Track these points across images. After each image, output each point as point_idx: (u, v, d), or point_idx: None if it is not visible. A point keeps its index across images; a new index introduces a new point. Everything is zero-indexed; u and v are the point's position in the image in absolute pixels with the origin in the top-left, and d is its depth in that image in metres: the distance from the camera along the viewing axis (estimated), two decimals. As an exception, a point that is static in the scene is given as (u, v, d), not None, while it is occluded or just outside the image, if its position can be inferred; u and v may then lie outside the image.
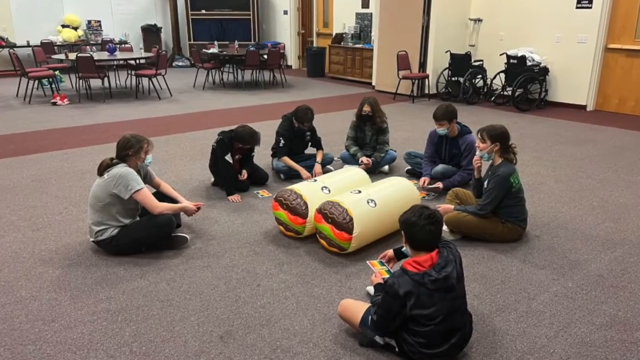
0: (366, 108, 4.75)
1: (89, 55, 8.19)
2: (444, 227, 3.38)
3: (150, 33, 13.01)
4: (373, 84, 10.27)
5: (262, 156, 5.16)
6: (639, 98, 7.64)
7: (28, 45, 10.88)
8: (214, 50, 10.13)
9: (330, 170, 4.66)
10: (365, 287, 2.88)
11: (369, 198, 3.33)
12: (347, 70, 11.37)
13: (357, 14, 11.32)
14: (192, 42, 13.03)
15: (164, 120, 7.26)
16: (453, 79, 8.84)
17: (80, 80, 8.57)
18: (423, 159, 4.56)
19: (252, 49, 9.84)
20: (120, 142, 3.19)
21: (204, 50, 10.30)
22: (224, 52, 10.10)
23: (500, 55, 8.40)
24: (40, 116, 7.37)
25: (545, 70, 8.11)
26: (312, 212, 3.36)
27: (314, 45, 12.88)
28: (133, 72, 9.28)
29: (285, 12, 13.29)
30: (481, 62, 8.77)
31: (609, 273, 3.05)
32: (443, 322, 2.11)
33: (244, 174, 4.39)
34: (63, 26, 11.89)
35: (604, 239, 3.52)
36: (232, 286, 2.89)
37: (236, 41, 11.05)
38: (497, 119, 7.31)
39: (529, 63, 7.92)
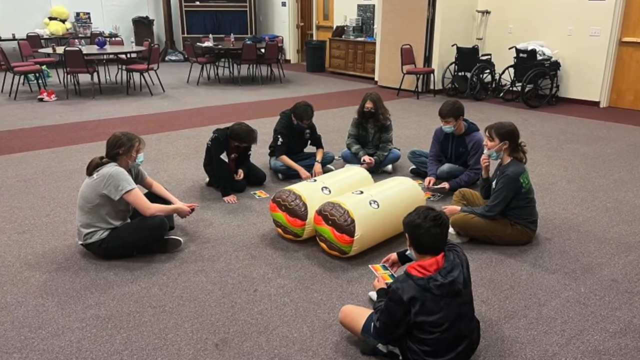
0: (368, 104, 4.76)
1: (77, 49, 8.19)
2: (450, 230, 3.38)
3: (142, 26, 13.01)
4: (376, 79, 10.28)
5: (260, 155, 5.17)
6: (654, 94, 7.66)
7: (13, 39, 10.88)
8: (208, 43, 10.13)
9: (331, 170, 4.66)
10: (367, 292, 2.88)
11: (372, 199, 3.33)
12: (348, 65, 11.38)
13: (359, 5, 11.33)
14: (185, 35, 13.03)
15: (156, 117, 7.26)
16: (460, 74, 8.85)
17: (69, 76, 8.56)
18: (428, 158, 4.56)
19: (248, 42, 9.85)
20: (111, 140, 3.19)
21: (198, 43, 10.30)
22: (219, 46, 10.10)
23: (509, 49, 8.41)
24: (26, 113, 7.37)
25: (556, 65, 8.11)
26: (311, 213, 3.36)
27: (314, 38, 12.89)
28: (124, 67, 9.28)
29: (284, 4, 13.29)
30: (489, 57, 8.78)
31: (624, 278, 3.05)
32: (449, 329, 2.11)
33: (240, 174, 4.39)
34: (50, 18, 11.89)
35: (618, 241, 3.52)
36: (228, 291, 2.89)
37: (232, 34, 11.05)
38: (506, 116, 7.32)
39: (539, 57, 7.92)
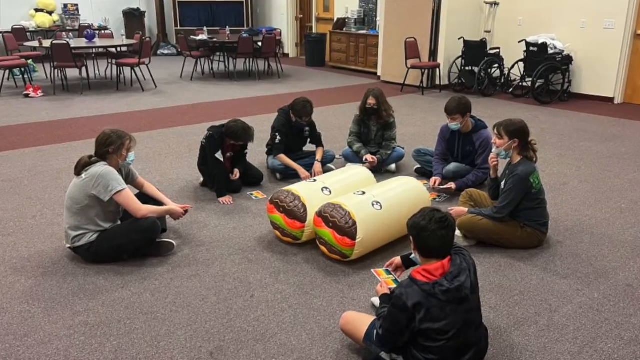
0: (371, 101, 4.76)
1: (65, 42, 8.19)
2: (457, 232, 3.38)
3: (133, 18, 13.01)
4: (378, 74, 10.28)
5: (257, 154, 5.17)
6: (672, 90, 7.66)
7: (-2, 32, 10.88)
8: (203, 36, 10.13)
9: (332, 169, 4.66)
10: (369, 298, 2.88)
11: (374, 200, 3.33)
12: (350, 59, 11.38)
13: (361, -4, 11.33)
14: (178, 27, 13.03)
15: (148, 114, 7.26)
16: (467, 68, 8.85)
17: (56, 70, 8.57)
18: (434, 156, 4.56)
19: (245, 35, 9.85)
20: (100, 138, 3.19)
21: (192, 36, 10.30)
22: (214, 39, 10.10)
23: (519, 42, 8.41)
24: (11, 109, 7.37)
25: (568, 59, 8.11)
26: (311, 215, 3.36)
27: (314, 31, 12.88)
28: (114, 61, 9.28)
29: (282, -5, 13.30)
30: (498, 50, 8.78)
31: (639, 283, 3.05)
32: (456, 336, 2.11)
33: (236, 174, 4.39)
34: (36, 10, 11.89)
35: (634, 245, 3.52)
36: (223, 297, 2.89)
37: (227, 27, 11.05)
38: (516, 113, 7.32)
39: (550, 51, 7.92)
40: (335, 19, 11.77)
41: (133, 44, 9.37)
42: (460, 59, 8.91)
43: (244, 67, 11.10)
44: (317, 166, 4.69)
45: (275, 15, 13.72)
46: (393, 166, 4.94)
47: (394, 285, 2.83)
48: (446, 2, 8.75)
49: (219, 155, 4.20)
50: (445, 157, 4.53)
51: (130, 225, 3.20)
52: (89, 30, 9.49)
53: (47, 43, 8.52)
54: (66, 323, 2.65)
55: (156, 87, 9.15)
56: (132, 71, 9.18)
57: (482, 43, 8.69)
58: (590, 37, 8.02)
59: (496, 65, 8.73)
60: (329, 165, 4.93)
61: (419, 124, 6.79)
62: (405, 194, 3.55)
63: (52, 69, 8.46)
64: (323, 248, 3.32)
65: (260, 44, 9.99)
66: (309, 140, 4.88)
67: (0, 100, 8.01)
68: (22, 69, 8.98)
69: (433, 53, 9.18)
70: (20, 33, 10.23)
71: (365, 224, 3.15)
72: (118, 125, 6.37)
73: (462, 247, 2.28)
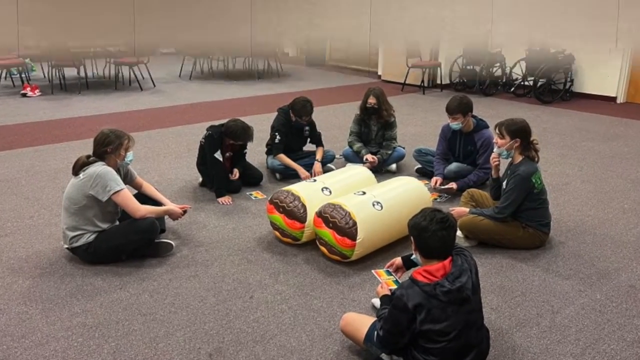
0: (371, 100, 4.76)
1: (63, 41, 8.18)
2: (458, 233, 3.38)
3: (131, 16, 13.00)
4: (379, 73, 10.28)
5: (256, 153, 5.17)
6: (674, 89, 7.66)
7: (-5, 30, 10.87)
8: (202, 35, 10.13)
9: (332, 169, 4.66)
10: (370, 299, 2.88)
11: (375, 200, 3.33)
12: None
13: (361, -5, 11.33)
14: (177, 26, 13.00)
15: (147, 113, 7.26)
16: (468, 67, 8.84)
17: (54, 69, 8.56)
18: (435, 156, 4.56)
19: (244, 34, 9.84)
20: (98, 137, 3.19)
21: (190, 35, 10.30)
22: (213, 38, 10.10)
23: (521, 41, 8.42)
24: (8, 109, 7.37)
25: (570, 58, 8.11)
26: (311, 215, 3.36)
27: (314, 30, 12.88)
28: (112, 60, 9.28)
29: (282, -6, 13.28)
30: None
31: (642, 283, 3.05)
32: (457, 338, 2.11)
33: (236, 173, 4.39)
34: (34, 9, 11.88)
35: (636, 245, 3.52)
36: (222, 298, 2.89)
37: (227, 26, 11.05)
38: (517, 112, 7.32)
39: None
40: (336, 18, 11.77)
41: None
42: (461, 57, 8.91)
43: (243, 66, 11.10)
44: (317, 166, 4.68)
45: (274, 14, 13.71)
46: (394, 166, 4.94)
47: (394, 286, 2.83)
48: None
49: (218, 155, 4.20)
50: (447, 157, 4.53)
51: (128, 225, 3.20)
52: (87, 29, 9.47)
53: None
54: (64, 324, 2.65)
55: (155, 86, 9.15)
56: (131, 70, 9.18)
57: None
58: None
59: (498, 65, 8.73)
60: (329, 165, 4.93)
61: (420, 124, 6.79)
62: (406, 194, 3.55)
63: (50, 68, 8.46)
64: (323, 249, 3.31)
65: (259, 42, 9.99)
66: (308, 140, 4.88)
67: (-3, 99, 8.01)
68: (20, 68, 8.97)
69: (434, 52, 9.17)
70: (17, 32, 10.22)
71: (366, 224, 3.15)
72: (116, 124, 6.37)
73: (463, 247, 2.28)
